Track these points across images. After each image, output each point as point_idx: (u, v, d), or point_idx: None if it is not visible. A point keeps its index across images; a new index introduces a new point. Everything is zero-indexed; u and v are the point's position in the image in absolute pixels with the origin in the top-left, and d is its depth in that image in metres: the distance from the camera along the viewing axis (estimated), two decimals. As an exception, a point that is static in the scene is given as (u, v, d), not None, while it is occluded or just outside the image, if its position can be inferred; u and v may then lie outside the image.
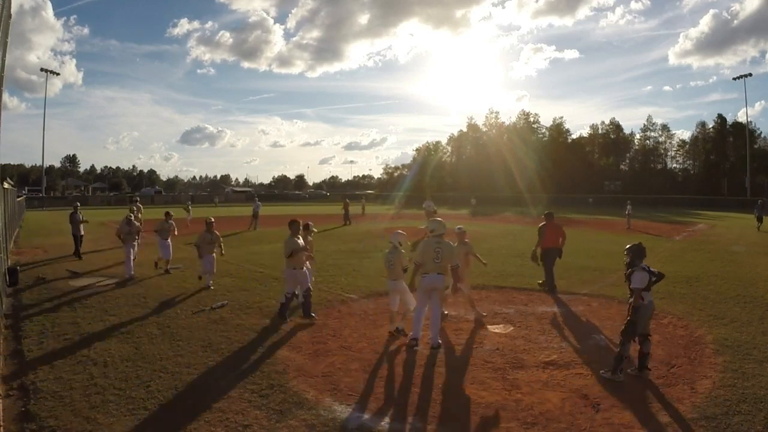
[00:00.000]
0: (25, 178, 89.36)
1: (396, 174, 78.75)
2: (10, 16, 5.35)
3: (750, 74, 54.37)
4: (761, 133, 62.02)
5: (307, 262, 7.62)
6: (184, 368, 5.35)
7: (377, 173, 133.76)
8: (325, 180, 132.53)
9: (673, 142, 67.27)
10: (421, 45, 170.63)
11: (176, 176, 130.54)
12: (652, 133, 66.98)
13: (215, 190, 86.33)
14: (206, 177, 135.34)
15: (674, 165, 68.32)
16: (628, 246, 5.31)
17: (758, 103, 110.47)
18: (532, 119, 70.93)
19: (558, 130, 68.80)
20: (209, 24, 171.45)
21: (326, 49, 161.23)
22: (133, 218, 11.21)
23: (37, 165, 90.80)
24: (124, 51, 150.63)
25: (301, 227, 7.67)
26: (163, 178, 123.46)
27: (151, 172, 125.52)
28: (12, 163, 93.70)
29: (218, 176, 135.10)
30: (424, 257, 6.07)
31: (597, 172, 63.84)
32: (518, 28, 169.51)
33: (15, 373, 5.21)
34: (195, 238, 9.83)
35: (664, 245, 16.69)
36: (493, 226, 24.10)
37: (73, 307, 7.94)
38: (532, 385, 4.97)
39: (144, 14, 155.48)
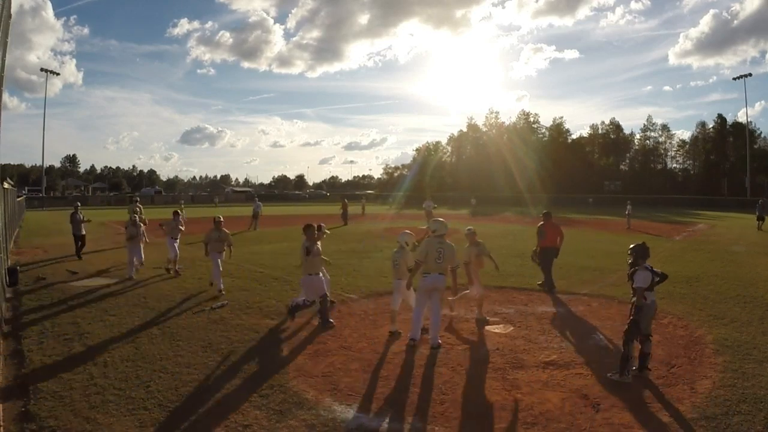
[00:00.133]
0: (25, 178, 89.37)
1: (396, 174, 78.83)
2: (10, 16, 5.36)
3: (750, 74, 54.50)
4: (761, 133, 62.12)
5: (323, 268, 7.49)
6: (184, 368, 5.35)
7: (377, 173, 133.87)
8: (325, 180, 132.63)
9: (673, 142, 67.37)
10: (421, 45, 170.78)
11: (176, 176, 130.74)
12: (652, 133, 67.08)
13: (215, 190, 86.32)
14: (206, 177, 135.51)
15: (674, 165, 68.41)
16: (631, 245, 5.31)
17: (758, 103, 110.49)
18: (532, 119, 70.96)
19: (558, 130, 68.79)
20: (209, 24, 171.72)
21: (326, 49, 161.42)
22: (138, 219, 11.16)
23: (37, 165, 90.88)
24: (124, 51, 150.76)
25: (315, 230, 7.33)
26: (163, 178, 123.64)
27: (151, 172, 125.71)
28: (12, 163, 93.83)
29: (218, 176, 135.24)
30: (426, 257, 6.08)
31: (597, 172, 63.84)
32: (518, 28, 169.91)
33: (15, 372, 5.21)
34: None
35: (664, 245, 16.69)
36: (493, 226, 24.10)
37: (72, 307, 7.94)
38: (532, 385, 4.97)
39: (144, 14, 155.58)
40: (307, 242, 6.96)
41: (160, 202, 51.20)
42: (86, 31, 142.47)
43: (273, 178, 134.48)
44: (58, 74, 69.32)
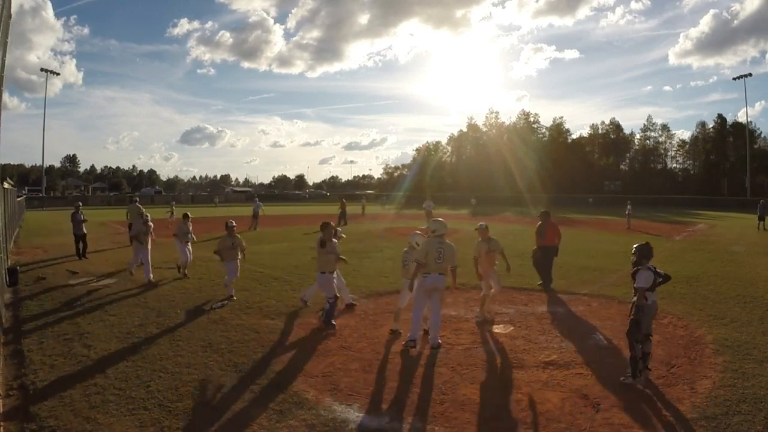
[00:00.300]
0: (25, 178, 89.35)
1: (396, 174, 78.87)
2: (10, 16, 5.35)
3: (750, 74, 54.45)
4: (761, 133, 62.10)
5: (338, 270, 7.48)
6: (184, 368, 5.35)
7: (377, 173, 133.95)
8: (325, 180, 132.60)
9: (673, 142, 67.36)
10: (422, 45, 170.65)
11: (176, 176, 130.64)
12: (652, 133, 67.08)
13: (215, 190, 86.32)
14: (206, 177, 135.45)
15: (674, 165, 68.40)
16: (635, 245, 5.29)
17: (758, 103, 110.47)
18: (532, 119, 70.97)
19: (558, 130, 68.79)
20: (209, 24, 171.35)
21: (326, 49, 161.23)
22: (149, 219, 10.78)
23: (37, 165, 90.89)
24: (124, 51, 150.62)
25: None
26: (163, 178, 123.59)
27: (151, 172, 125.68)
28: (12, 163, 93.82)
29: (218, 176, 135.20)
30: (426, 257, 6.08)
31: (597, 172, 63.83)
32: (518, 28, 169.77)
33: (15, 372, 5.21)
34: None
35: (664, 245, 16.69)
36: (493, 226, 23.92)
37: (73, 306, 7.94)
38: (532, 385, 4.97)
39: (144, 14, 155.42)
40: (323, 236, 7.01)
41: (161, 202, 51.06)
42: (86, 31, 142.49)
43: (273, 178, 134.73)
44: (58, 74, 69.41)
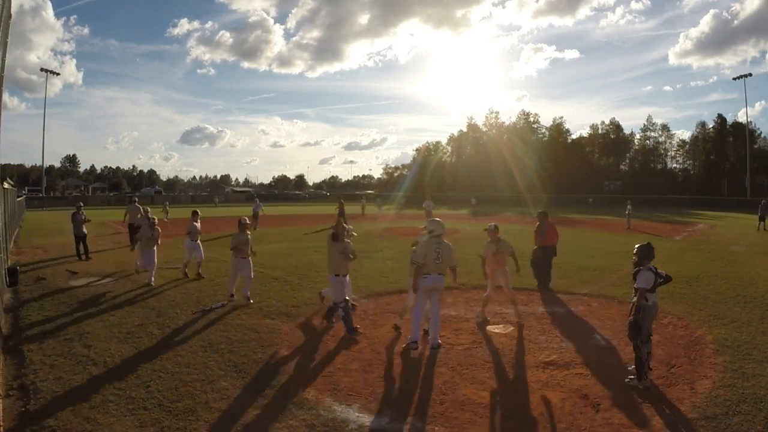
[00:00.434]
0: (25, 178, 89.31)
1: (396, 174, 78.92)
2: (10, 16, 5.35)
3: (750, 74, 54.44)
4: (761, 133, 62.17)
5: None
6: (184, 368, 5.35)
7: (377, 173, 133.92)
8: (325, 180, 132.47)
9: (673, 142, 67.40)
10: (422, 45, 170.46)
11: (176, 176, 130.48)
12: (652, 133, 67.11)
13: (215, 190, 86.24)
14: (206, 177, 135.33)
15: (674, 165, 68.44)
16: (637, 245, 5.28)
17: (758, 103, 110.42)
18: (532, 119, 71.00)
19: (558, 130, 68.81)
20: (209, 24, 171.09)
21: (326, 49, 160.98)
22: (156, 222, 10.59)
23: (37, 165, 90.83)
24: (123, 51, 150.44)
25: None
26: (163, 178, 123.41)
27: (151, 172, 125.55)
28: (12, 163, 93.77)
29: (218, 176, 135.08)
30: (425, 258, 6.07)
31: (597, 172, 63.86)
32: (518, 28, 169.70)
33: (15, 372, 5.21)
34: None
35: (664, 245, 16.68)
36: (493, 226, 24.07)
37: (72, 306, 7.94)
38: (532, 385, 4.98)
39: (144, 14, 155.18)
40: (335, 229, 6.95)
41: (160, 202, 51.10)
42: (86, 31, 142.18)
43: (273, 178, 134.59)
44: (58, 74, 69.30)
